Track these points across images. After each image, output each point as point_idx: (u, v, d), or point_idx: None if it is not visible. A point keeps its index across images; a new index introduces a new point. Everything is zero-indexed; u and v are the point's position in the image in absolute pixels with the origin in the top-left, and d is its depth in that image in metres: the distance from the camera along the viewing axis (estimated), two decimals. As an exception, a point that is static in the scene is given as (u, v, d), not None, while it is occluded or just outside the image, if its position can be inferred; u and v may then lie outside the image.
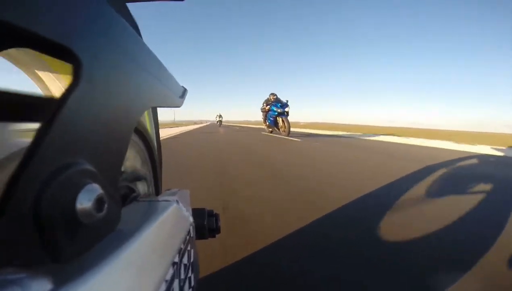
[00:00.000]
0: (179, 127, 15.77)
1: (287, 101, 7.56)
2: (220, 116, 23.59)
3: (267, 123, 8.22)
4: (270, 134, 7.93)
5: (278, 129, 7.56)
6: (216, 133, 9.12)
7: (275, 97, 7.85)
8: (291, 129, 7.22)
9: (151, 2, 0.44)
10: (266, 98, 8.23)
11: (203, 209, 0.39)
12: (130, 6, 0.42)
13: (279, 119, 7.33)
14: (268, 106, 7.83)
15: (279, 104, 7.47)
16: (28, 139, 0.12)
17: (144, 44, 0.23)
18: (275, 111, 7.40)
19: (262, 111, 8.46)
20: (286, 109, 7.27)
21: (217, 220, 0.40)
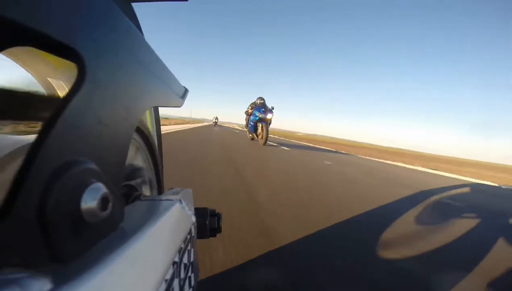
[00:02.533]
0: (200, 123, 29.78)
1: (273, 108, 6.89)
2: (216, 118, 32.06)
3: (248, 128, 7.62)
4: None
5: (257, 136, 6.96)
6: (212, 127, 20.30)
7: (262, 102, 7.01)
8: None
9: (155, 2, 0.44)
10: (253, 101, 7.50)
11: (205, 209, 0.39)
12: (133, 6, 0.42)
13: (259, 125, 6.65)
14: (252, 110, 7.09)
15: (263, 109, 6.68)
16: (32, 138, 0.12)
17: (147, 44, 0.23)
18: (256, 116, 6.66)
19: (246, 115, 7.76)
20: (268, 117, 6.52)
21: (219, 219, 0.40)
